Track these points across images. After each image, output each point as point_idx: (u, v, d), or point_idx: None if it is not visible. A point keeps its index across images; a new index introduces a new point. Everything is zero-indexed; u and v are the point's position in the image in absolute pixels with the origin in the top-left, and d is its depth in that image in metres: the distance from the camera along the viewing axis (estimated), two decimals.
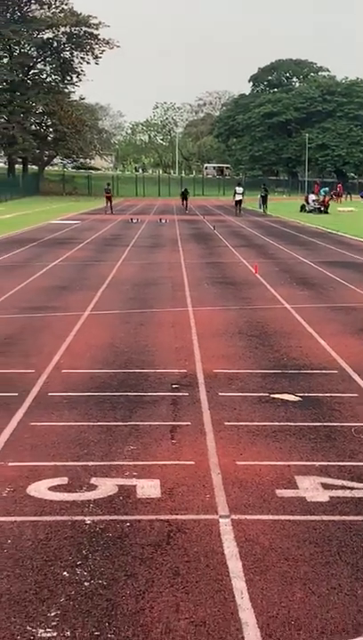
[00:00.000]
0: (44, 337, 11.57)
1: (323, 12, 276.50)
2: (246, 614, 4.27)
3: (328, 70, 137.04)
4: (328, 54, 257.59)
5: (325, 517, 5.51)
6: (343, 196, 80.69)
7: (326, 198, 58.92)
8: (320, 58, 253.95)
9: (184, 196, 58.99)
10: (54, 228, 36.70)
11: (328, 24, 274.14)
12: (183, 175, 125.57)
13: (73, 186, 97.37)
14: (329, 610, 4.33)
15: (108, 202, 54.92)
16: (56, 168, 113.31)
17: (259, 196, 56.09)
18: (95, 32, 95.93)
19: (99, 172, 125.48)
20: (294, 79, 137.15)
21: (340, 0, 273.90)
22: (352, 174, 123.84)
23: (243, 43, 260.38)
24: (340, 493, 5.93)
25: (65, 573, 4.70)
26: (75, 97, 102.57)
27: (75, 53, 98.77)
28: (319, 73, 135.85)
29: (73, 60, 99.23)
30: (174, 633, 4.09)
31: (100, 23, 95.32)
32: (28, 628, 4.13)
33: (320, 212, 53.67)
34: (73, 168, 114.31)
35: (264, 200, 53.88)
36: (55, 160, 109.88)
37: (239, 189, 52.81)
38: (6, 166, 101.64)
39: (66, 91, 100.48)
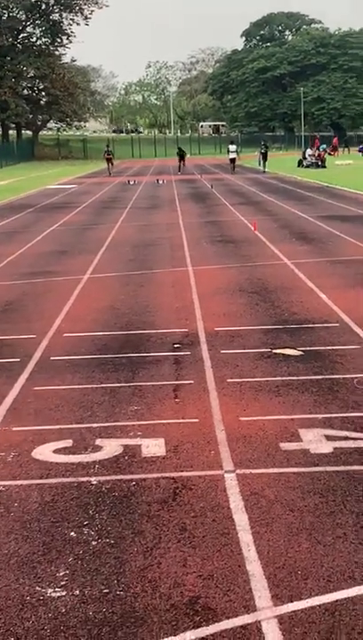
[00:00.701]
0: (44, 302, 11.57)
1: None
2: (253, 566, 4.31)
3: (321, 22, 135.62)
4: (321, 5, 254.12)
5: (328, 468, 5.55)
6: (340, 149, 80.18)
7: (322, 153, 58.63)
8: (313, 10, 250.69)
9: (181, 156, 55.94)
10: (51, 193, 36.56)
11: None
12: (179, 135, 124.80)
13: (68, 150, 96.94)
14: (335, 558, 4.38)
15: (110, 163, 55.00)
16: (50, 132, 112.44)
17: (258, 152, 55.07)
18: None
19: (95, 134, 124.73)
20: (287, 32, 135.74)
21: None
22: (349, 127, 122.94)
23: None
24: (343, 444, 5.96)
25: (72, 534, 4.74)
26: (66, 59, 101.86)
27: (64, 15, 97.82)
28: (312, 25, 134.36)
29: (62, 22, 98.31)
30: (183, 587, 4.14)
31: None
32: (38, 588, 4.18)
33: (318, 166, 53.34)
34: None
35: (264, 157, 52.43)
36: (49, 124, 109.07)
37: (232, 147, 53.41)
38: (0, 132, 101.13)
39: (57, 53, 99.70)
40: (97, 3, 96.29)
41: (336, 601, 3.99)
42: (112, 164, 55.88)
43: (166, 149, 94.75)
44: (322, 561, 4.36)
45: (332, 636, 3.71)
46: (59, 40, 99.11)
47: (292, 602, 3.99)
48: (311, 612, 3.91)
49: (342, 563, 4.33)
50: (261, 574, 4.23)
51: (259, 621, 3.84)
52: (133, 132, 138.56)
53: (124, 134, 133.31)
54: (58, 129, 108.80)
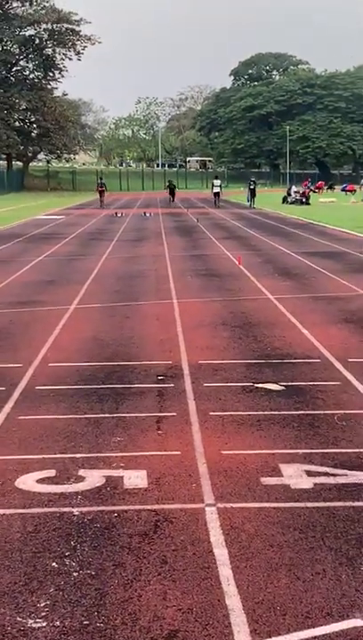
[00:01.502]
0: (31, 331, 11.55)
1: (302, 7, 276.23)
2: (233, 600, 4.29)
3: (308, 63, 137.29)
4: (307, 48, 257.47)
5: (309, 504, 5.53)
6: (324, 188, 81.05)
7: (306, 190, 59.13)
8: (300, 51, 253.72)
9: (171, 189, 58.95)
10: (39, 224, 36.62)
11: (307, 17, 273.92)
12: (166, 169, 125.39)
13: (57, 181, 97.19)
14: (314, 595, 4.36)
15: (101, 195, 55.28)
16: (40, 164, 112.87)
17: (247, 189, 55.15)
18: (77, 28, 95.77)
19: (83, 166, 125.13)
20: (275, 72, 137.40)
21: None
22: (333, 166, 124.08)
23: (224, 37, 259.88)
24: (323, 480, 5.95)
25: (54, 564, 4.70)
26: (58, 93, 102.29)
27: (57, 50, 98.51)
28: (299, 66, 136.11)
29: (55, 57, 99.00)
30: (162, 620, 4.11)
31: (81, 20, 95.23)
32: (19, 618, 4.13)
33: (302, 203, 53.82)
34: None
35: (253, 194, 52.75)
36: (40, 156, 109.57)
37: (217, 182, 55.18)
38: None
39: (49, 87, 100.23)
40: (90, 39, 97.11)
41: (315, 637, 3.97)
42: (103, 196, 56.10)
43: (154, 183, 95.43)
44: (301, 597, 4.34)
45: None
46: (51, 74, 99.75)
47: (270, 637, 3.96)
48: None
49: (321, 599, 4.32)
50: (240, 609, 4.21)
51: None
52: (120, 165, 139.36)
53: (112, 167, 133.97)
54: (48, 161, 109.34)
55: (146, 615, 4.16)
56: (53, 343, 10.71)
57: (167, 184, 59.34)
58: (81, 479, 5.98)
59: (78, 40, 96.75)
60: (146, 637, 3.96)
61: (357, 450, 6.58)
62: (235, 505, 5.49)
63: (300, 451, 6.56)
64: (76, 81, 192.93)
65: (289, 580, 4.51)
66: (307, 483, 5.90)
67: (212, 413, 7.54)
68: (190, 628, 4.04)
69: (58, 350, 10.27)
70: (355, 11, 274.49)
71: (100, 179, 61.00)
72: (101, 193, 55.95)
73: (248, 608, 4.22)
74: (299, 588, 4.43)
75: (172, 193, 58.34)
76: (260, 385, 8.56)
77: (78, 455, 6.47)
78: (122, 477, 6.00)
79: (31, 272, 18.83)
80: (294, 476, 6.03)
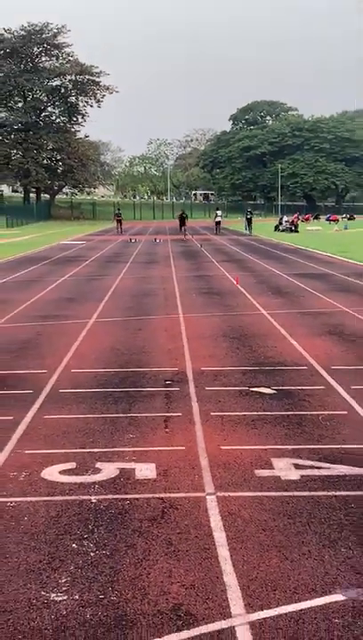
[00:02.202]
0: (55, 342, 11.52)
1: (292, 60, 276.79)
2: (230, 578, 4.27)
3: (297, 110, 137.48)
4: (297, 96, 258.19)
5: (296, 493, 5.50)
6: (311, 218, 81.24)
7: (295, 219, 59.10)
8: (290, 99, 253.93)
9: (182, 219, 49.62)
10: (64, 248, 36.62)
11: (297, 68, 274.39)
12: (174, 201, 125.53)
13: (80, 211, 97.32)
14: (300, 573, 4.33)
15: (119, 224, 55.66)
16: (65, 196, 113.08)
17: (244, 218, 54.81)
18: (97, 79, 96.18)
19: (102, 199, 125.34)
20: (268, 118, 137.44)
21: (307, 47, 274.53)
22: (319, 198, 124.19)
23: (224, 86, 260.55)
24: (309, 472, 5.91)
25: (74, 545, 4.68)
26: (80, 135, 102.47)
27: (80, 98, 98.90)
28: (289, 112, 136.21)
29: (78, 104, 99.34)
30: (168, 595, 4.09)
31: (101, 72, 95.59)
32: (43, 593, 4.12)
33: (291, 231, 53.74)
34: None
35: (249, 222, 52.73)
36: (64, 189, 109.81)
37: (219, 212, 56.56)
38: (22, 195, 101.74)
39: (72, 130, 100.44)
40: (108, 88, 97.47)
41: (301, 610, 3.94)
42: (121, 225, 56.42)
43: (163, 213, 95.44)
44: (289, 575, 4.31)
45: None
46: (75, 119, 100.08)
47: (262, 610, 3.94)
48: (279, 619, 3.86)
49: (306, 577, 4.29)
50: (236, 585, 4.18)
51: (233, 627, 3.79)
52: (134, 197, 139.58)
53: (128, 199, 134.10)
54: (71, 193, 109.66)
55: (154, 590, 4.14)
56: (75, 352, 10.68)
57: (179, 213, 50.65)
58: (98, 471, 5.95)
59: (98, 89, 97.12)
60: (154, 610, 3.94)
61: (338, 446, 6.54)
62: (232, 494, 5.46)
63: (289, 446, 6.53)
64: (97, 124, 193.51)
65: (279, 559, 4.49)
66: (295, 475, 5.87)
67: (212, 414, 7.50)
68: (192, 601, 4.02)
69: (79, 358, 10.24)
70: (338, 67, 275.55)
71: (118, 209, 61.37)
72: (119, 222, 56.43)
73: (243, 584, 4.19)
74: (287, 567, 4.40)
75: (182, 222, 48.94)
76: (254, 389, 8.52)
77: (96, 450, 6.44)
78: (134, 469, 5.97)
79: (56, 290, 18.81)
80: (284, 468, 6.00)
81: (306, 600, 4.04)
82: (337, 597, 4.07)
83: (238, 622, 3.82)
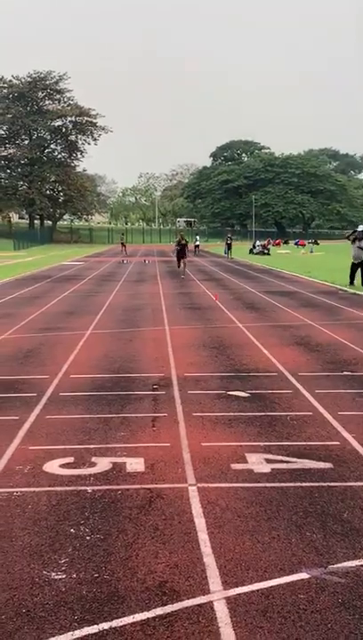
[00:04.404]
0: (56, 350, 11.49)
1: (264, 105, 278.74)
2: (209, 559, 4.27)
3: (269, 148, 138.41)
4: (269, 136, 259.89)
5: (267, 484, 5.51)
6: (281, 243, 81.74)
7: (266, 243, 59.34)
8: (264, 138, 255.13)
9: (181, 249, 29.86)
10: (64, 268, 36.56)
11: (270, 112, 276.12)
12: (161, 227, 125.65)
13: (78, 236, 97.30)
14: (270, 554, 4.34)
15: (124, 247, 55.79)
16: (65, 222, 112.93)
17: (225, 243, 53.35)
18: (94, 120, 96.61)
19: (98, 225, 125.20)
20: (244, 155, 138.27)
21: (278, 94, 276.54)
22: (288, 225, 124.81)
23: (204, 129, 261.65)
24: (279, 466, 5.92)
25: (72, 530, 4.67)
26: (79, 169, 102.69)
27: (79, 137, 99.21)
28: (262, 150, 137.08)
29: (77, 142, 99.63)
30: (155, 574, 4.08)
31: (97, 114, 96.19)
32: (44, 572, 4.10)
33: (264, 254, 53.96)
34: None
35: (229, 247, 51.37)
36: (65, 216, 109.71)
37: (198, 237, 61.66)
38: (28, 221, 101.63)
39: (72, 164, 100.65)
40: (104, 129, 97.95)
41: (271, 587, 3.96)
42: (125, 247, 56.53)
43: (152, 237, 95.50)
44: (261, 556, 4.32)
45: (266, 614, 3.68)
46: (74, 155, 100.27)
47: (237, 587, 3.95)
48: (252, 594, 3.87)
49: (276, 557, 4.30)
50: (214, 565, 4.19)
51: (211, 601, 3.79)
52: (126, 224, 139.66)
53: (120, 225, 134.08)
54: (71, 220, 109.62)
55: (142, 569, 4.13)
56: (73, 360, 10.65)
57: (178, 239, 30.89)
58: (93, 464, 5.93)
59: (95, 129, 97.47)
60: (142, 587, 3.93)
61: (304, 443, 6.56)
62: (211, 485, 5.46)
63: (261, 443, 6.53)
64: (94, 160, 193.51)
65: (252, 542, 4.50)
66: (266, 468, 5.88)
67: (194, 414, 7.50)
68: (176, 579, 4.02)
69: (77, 365, 10.22)
70: (305, 112, 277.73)
71: (122, 234, 61.97)
72: (123, 245, 56.85)
73: (220, 564, 4.20)
74: (259, 549, 4.41)
75: (182, 252, 29.70)
76: (231, 392, 8.53)
77: (91, 446, 6.42)
78: (125, 463, 5.95)
79: (57, 305, 18.76)
80: (257, 462, 6.00)
81: (275, 578, 4.05)
82: (302, 576, 4.09)
83: (216, 597, 3.83)
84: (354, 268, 22.54)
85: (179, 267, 30.09)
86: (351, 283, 22.50)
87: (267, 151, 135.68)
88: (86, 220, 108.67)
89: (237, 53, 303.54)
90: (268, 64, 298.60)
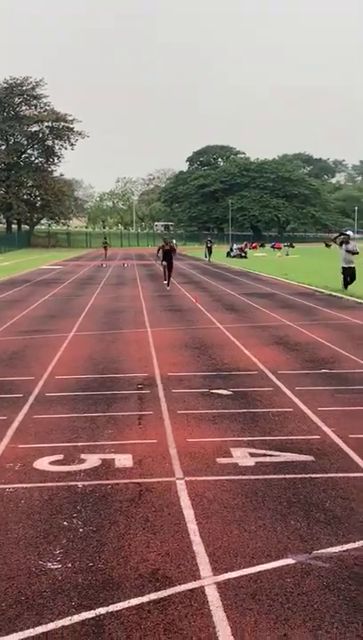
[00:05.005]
0: (40, 352, 11.55)
1: (241, 111, 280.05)
2: (198, 547, 4.40)
3: (244, 153, 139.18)
4: (245, 140, 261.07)
5: (252, 477, 5.65)
6: (258, 246, 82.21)
7: (243, 247, 59.65)
8: (239, 143, 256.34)
9: (167, 257, 24.77)
10: (43, 272, 36.48)
11: (243, 117, 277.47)
12: (139, 231, 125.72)
13: (56, 240, 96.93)
14: (257, 542, 4.49)
15: (105, 251, 56.79)
16: (43, 227, 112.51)
17: (205, 247, 52.55)
18: (71, 126, 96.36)
19: (76, 229, 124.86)
20: (220, 160, 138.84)
21: (255, 100, 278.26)
22: (264, 229, 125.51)
23: (182, 128, 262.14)
24: (262, 459, 6.07)
25: (65, 523, 4.77)
26: (56, 174, 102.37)
27: (55, 142, 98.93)
28: (238, 155, 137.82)
29: (54, 147, 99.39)
30: (147, 562, 4.21)
31: (74, 119, 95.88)
32: (40, 562, 4.21)
33: (241, 257, 54.21)
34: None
35: (209, 251, 50.73)
36: (42, 221, 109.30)
37: (174, 240, 57.12)
38: (5, 226, 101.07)
39: (49, 169, 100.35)
40: (80, 133, 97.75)
41: (258, 572, 4.10)
42: (107, 251, 57.60)
43: (130, 241, 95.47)
44: (248, 544, 4.46)
45: (255, 597, 3.82)
46: (51, 160, 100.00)
47: (226, 572, 4.08)
48: (240, 579, 4.01)
49: (262, 545, 4.45)
50: (203, 553, 4.32)
51: (203, 586, 3.93)
52: (103, 228, 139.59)
53: (98, 229, 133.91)
54: (49, 224, 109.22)
55: (135, 558, 4.25)
56: (58, 361, 10.72)
57: (161, 245, 25.66)
58: (83, 461, 6.03)
59: (72, 134, 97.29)
60: (135, 574, 4.06)
61: (286, 437, 6.72)
62: (198, 478, 5.59)
63: (245, 438, 6.68)
64: (70, 164, 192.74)
65: (239, 531, 4.64)
66: (250, 461, 6.02)
67: (179, 412, 7.62)
68: (168, 567, 4.15)
69: (62, 366, 10.29)
70: (281, 119, 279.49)
71: (105, 238, 62.42)
72: (105, 248, 57.63)
73: (210, 552, 4.33)
74: (246, 537, 4.56)
75: (168, 261, 24.80)
76: (214, 391, 8.66)
77: (80, 444, 6.51)
78: (113, 459, 6.06)
79: (39, 308, 18.79)
80: (241, 456, 6.14)
81: (263, 564, 4.19)
82: (288, 561, 4.23)
83: (207, 583, 3.96)
84: (346, 272, 21.80)
85: (165, 279, 25.03)
86: (345, 287, 21.68)
87: (242, 156, 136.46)
88: (64, 225, 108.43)
89: (215, 60, 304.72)
90: (244, 71, 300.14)
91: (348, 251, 21.34)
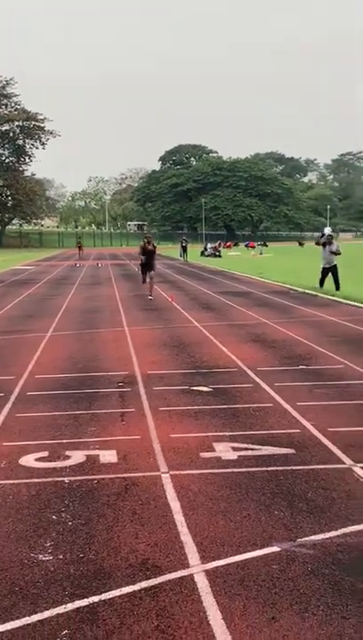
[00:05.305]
0: (18, 352, 11.58)
1: (214, 107, 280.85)
2: (186, 537, 4.53)
3: (217, 152, 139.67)
4: (217, 140, 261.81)
5: (235, 470, 5.79)
6: (232, 245, 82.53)
7: (217, 246, 59.90)
8: (211, 142, 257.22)
9: (148, 258, 21.29)
10: (17, 272, 36.32)
11: (218, 115, 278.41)
12: (112, 231, 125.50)
13: (28, 240, 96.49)
14: (242, 531, 4.63)
15: (80, 250, 57.15)
16: (14, 227, 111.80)
17: (180, 246, 52.19)
18: (42, 125, 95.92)
19: (48, 229, 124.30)
20: (192, 159, 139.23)
21: (228, 98, 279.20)
22: (237, 228, 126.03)
23: (154, 127, 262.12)
24: (244, 453, 6.21)
25: (53, 517, 4.87)
26: (27, 173, 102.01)
27: (26, 141, 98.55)
28: (211, 154, 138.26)
29: (25, 147, 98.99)
30: (136, 552, 4.33)
31: (45, 118, 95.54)
32: (32, 554, 4.31)
33: (215, 256, 54.47)
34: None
35: (185, 250, 50.39)
36: (14, 221, 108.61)
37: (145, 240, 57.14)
38: None
39: (20, 169, 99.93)
40: (51, 133, 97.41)
41: (245, 559, 4.24)
42: (82, 251, 57.91)
43: (103, 241, 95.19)
44: (233, 533, 4.60)
45: (243, 583, 3.96)
46: (22, 159, 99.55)
47: (214, 561, 4.21)
48: (228, 567, 4.14)
49: (248, 534, 4.59)
50: (191, 543, 4.45)
51: (192, 574, 4.06)
52: (76, 228, 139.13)
53: (70, 229, 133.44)
54: (20, 224, 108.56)
55: (124, 549, 4.37)
56: (37, 361, 10.77)
57: (142, 244, 21.93)
58: (68, 457, 6.12)
59: (43, 134, 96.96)
60: (126, 564, 4.18)
61: (267, 431, 6.87)
62: (182, 472, 5.72)
63: (226, 433, 6.82)
64: (42, 164, 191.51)
65: (225, 522, 4.78)
66: (233, 455, 6.16)
67: (160, 408, 7.74)
68: (157, 556, 4.27)
69: (41, 366, 10.35)
70: (255, 113, 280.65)
71: (79, 237, 62.66)
72: (80, 248, 57.97)
73: (197, 542, 4.46)
74: (232, 527, 4.70)
75: (148, 263, 21.35)
76: (194, 388, 8.79)
77: (64, 441, 6.59)
78: (98, 455, 6.15)
79: (14, 309, 18.77)
80: (224, 450, 6.28)
81: (249, 552, 4.34)
82: (274, 549, 4.38)
83: (196, 570, 4.10)
84: (325, 272, 21.78)
85: (144, 281, 21.71)
86: (321, 286, 21.80)
87: (215, 155, 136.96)
88: (36, 225, 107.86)
89: (187, 59, 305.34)
90: (214, 70, 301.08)
91: (332, 252, 21.20)
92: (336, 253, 21.32)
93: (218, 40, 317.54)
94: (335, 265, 21.54)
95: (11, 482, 5.56)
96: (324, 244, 21.60)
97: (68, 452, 6.25)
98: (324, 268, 21.82)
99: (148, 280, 21.04)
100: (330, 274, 21.67)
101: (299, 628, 3.52)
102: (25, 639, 3.43)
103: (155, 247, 21.71)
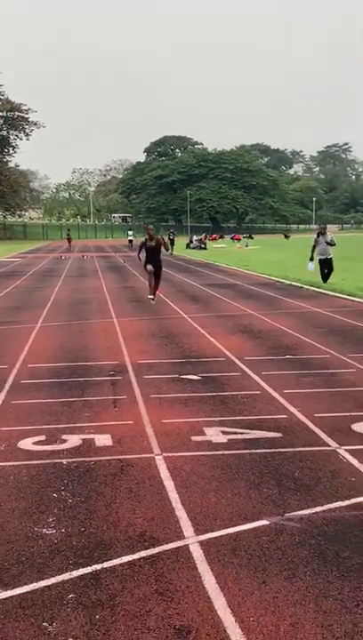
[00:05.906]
0: (9, 343, 11.81)
1: (201, 100, 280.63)
2: (180, 512, 4.83)
3: (202, 144, 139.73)
4: (202, 131, 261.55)
5: (225, 452, 6.08)
6: (217, 237, 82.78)
7: (203, 238, 60.20)
8: (196, 134, 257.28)
9: (154, 249, 16.97)
10: (2, 264, 36.39)
11: (202, 108, 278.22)
12: (97, 223, 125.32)
13: (12, 232, 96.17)
14: (234, 507, 4.93)
15: (69, 243, 58.01)
16: None
17: (167, 239, 53.54)
18: (26, 116, 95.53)
19: (32, 221, 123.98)
20: (177, 150, 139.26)
21: (214, 91, 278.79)
22: (222, 220, 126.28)
23: (139, 119, 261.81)
24: (234, 437, 6.50)
25: (54, 495, 5.15)
26: (11, 164, 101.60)
27: (10, 132, 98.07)
28: (196, 146, 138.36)
29: (9, 138, 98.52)
30: (135, 526, 4.62)
31: (29, 109, 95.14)
32: (36, 528, 4.59)
33: (201, 248, 54.76)
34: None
35: (172, 243, 49.80)
36: None
37: (130, 232, 64.02)
38: None
39: (4, 160, 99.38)
40: (36, 124, 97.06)
41: (237, 532, 4.55)
42: (70, 244, 58.55)
43: (87, 233, 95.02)
44: (225, 509, 4.90)
45: (235, 552, 4.27)
46: (6, 150, 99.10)
47: (208, 533, 4.52)
48: (221, 538, 4.45)
49: (238, 509, 4.89)
50: (186, 517, 4.75)
51: (187, 545, 4.36)
52: (59, 220, 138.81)
53: (54, 221, 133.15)
54: (4, 216, 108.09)
55: (123, 523, 4.66)
56: (29, 351, 11.01)
57: (145, 238, 17.12)
58: (64, 441, 6.38)
59: (27, 125, 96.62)
60: (125, 536, 4.47)
61: (255, 417, 7.17)
62: (175, 454, 6.00)
63: (216, 418, 7.10)
64: (26, 155, 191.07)
65: (217, 499, 5.07)
66: (223, 438, 6.45)
67: (152, 396, 8.01)
68: (154, 529, 4.57)
69: (33, 356, 10.59)
70: (238, 104, 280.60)
71: (68, 230, 63.20)
72: (69, 241, 58.69)
73: (191, 516, 4.76)
74: (223, 503, 5.00)
75: (155, 261, 16.94)
76: (184, 376, 9.07)
77: (60, 425, 6.85)
78: (94, 439, 6.42)
79: (2, 300, 18.93)
80: (214, 434, 6.56)
81: (240, 525, 4.64)
82: (263, 522, 4.69)
83: (191, 542, 4.40)
84: (322, 264, 21.35)
85: (151, 293, 17.50)
86: (324, 280, 21.22)
87: (200, 147, 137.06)
88: (20, 217, 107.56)
89: (173, 52, 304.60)
90: (202, 63, 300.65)
91: (327, 242, 20.90)
92: (331, 244, 21.03)
93: (205, 27, 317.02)
94: (331, 258, 21.15)
95: (11, 464, 5.82)
96: (318, 234, 21.46)
97: (64, 436, 6.52)
98: (320, 260, 21.38)
99: (153, 282, 17.36)
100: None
101: (287, 591, 3.84)
102: (34, 602, 3.73)
103: (159, 242, 17.07)
